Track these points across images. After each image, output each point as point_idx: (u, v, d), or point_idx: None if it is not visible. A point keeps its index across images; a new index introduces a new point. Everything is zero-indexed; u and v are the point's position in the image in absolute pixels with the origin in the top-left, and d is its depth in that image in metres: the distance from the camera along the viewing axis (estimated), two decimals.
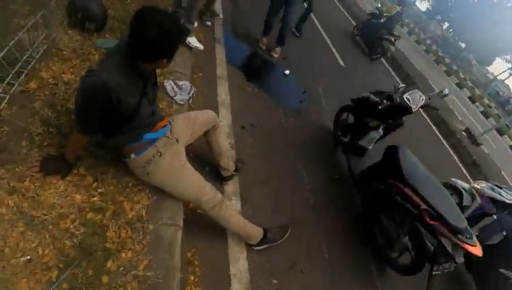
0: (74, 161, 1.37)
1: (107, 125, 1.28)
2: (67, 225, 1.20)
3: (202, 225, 1.73)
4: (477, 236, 2.10)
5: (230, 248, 1.73)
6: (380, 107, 2.42)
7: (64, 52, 1.78)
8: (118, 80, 1.14)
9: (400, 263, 2.19)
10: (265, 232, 1.79)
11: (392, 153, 2.30)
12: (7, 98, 1.38)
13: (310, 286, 1.85)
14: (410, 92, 2.38)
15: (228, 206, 1.68)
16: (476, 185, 2.83)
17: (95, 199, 1.34)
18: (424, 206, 1.95)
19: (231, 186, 2.09)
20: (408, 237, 2.19)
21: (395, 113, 2.53)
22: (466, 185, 2.87)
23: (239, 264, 1.68)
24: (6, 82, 1.39)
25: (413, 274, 2.07)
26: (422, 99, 2.38)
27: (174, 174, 1.50)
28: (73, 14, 1.89)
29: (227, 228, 1.71)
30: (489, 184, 2.86)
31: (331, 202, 2.55)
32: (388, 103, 2.43)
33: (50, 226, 1.16)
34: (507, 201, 2.64)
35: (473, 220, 2.58)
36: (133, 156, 1.40)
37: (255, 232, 1.75)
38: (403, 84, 2.49)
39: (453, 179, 2.94)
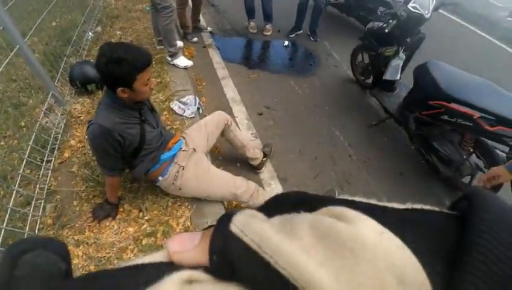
0: (117, 201, 1.55)
1: (126, 160, 1.41)
2: (129, 255, 1.36)
3: None
4: None
5: None
6: (386, 31, 2.17)
7: (81, 118, 2.04)
8: (112, 119, 1.25)
9: None
10: None
11: (422, 72, 2.05)
12: (49, 173, 1.64)
13: None
14: None
15: (267, 191, 1.70)
16: None
17: (145, 226, 1.49)
18: (477, 115, 1.70)
19: (266, 173, 2.10)
20: (475, 155, 1.93)
21: (408, 28, 2.25)
22: None
23: None
24: (45, 161, 1.64)
25: (497, 192, 1.81)
26: (433, 0, 2.07)
27: (202, 180, 1.58)
28: (75, 84, 2.14)
29: None
30: None
31: (375, 151, 2.38)
32: (394, 21, 2.18)
33: (115, 261, 1.33)
34: None
35: None
36: (160, 178, 1.52)
37: None
38: None
39: None
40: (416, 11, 2.10)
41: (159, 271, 0.16)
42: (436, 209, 0.17)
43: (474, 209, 0.15)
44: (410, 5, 2.09)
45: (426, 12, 2.11)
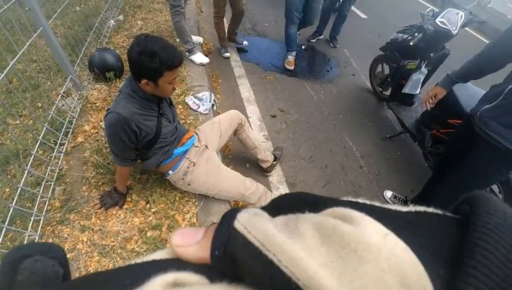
0: (125, 191, 1.54)
1: (139, 151, 1.41)
2: (132, 246, 1.35)
3: None
4: None
5: None
6: (411, 43, 2.13)
7: (97, 104, 2.04)
8: (131, 109, 1.25)
9: None
10: None
11: None
12: (62, 156, 1.64)
13: None
14: (443, 13, 2.04)
15: (275, 195, 1.68)
16: None
17: (151, 218, 1.48)
18: None
19: (275, 177, 2.08)
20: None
21: (433, 43, 2.19)
22: None
23: None
24: (58, 144, 1.65)
25: None
26: (461, 16, 2.01)
27: (211, 178, 1.56)
28: (93, 70, 2.15)
29: None
30: None
31: (387, 164, 2.33)
32: (420, 35, 2.13)
33: (119, 250, 1.33)
34: None
35: None
36: (170, 172, 1.51)
37: None
38: (430, 8, 2.14)
39: None
40: (444, 26, 2.04)
41: (145, 272, 0.16)
42: (439, 212, 0.17)
43: (476, 213, 0.15)
44: (438, 20, 2.04)
45: (454, 28, 2.06)
